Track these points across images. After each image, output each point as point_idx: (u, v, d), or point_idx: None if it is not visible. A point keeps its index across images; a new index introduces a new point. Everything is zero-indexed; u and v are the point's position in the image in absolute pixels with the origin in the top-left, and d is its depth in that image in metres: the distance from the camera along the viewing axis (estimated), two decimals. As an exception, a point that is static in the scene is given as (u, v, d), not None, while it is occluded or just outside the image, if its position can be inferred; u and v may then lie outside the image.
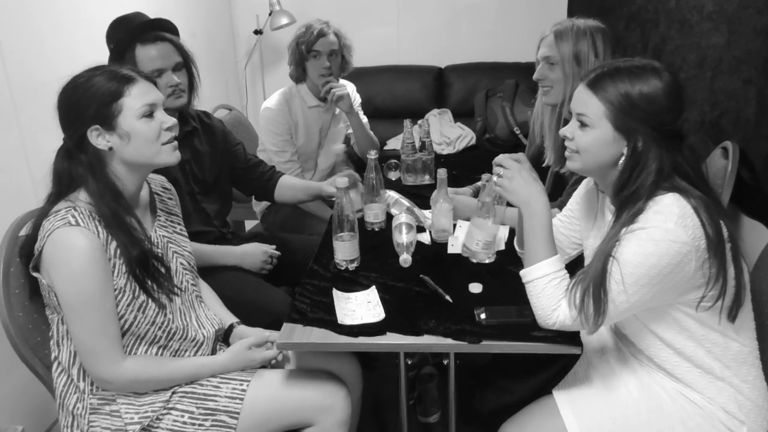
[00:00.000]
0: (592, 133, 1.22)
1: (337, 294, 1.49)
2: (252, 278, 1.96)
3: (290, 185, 2.15)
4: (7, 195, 1.89)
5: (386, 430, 2.07)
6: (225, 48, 4.06)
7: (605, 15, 2.95)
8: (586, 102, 1.22)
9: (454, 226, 1.82)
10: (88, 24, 1.90)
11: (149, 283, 1.33)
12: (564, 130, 1.29)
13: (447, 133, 3.70)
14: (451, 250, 1.71)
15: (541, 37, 1.84)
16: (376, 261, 1.65)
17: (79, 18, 2.29)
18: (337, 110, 2.59)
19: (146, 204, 1.46)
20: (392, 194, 1.95)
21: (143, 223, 1.38)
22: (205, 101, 2.03)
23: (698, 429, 1.24)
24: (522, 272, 1.31)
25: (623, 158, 1.21)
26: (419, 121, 2.36)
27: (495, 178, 1.36)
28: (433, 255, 1.70)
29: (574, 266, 1.43)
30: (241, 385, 1.38)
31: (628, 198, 1.20)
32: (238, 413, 1.35)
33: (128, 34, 1.78)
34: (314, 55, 2.40)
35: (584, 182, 1.52)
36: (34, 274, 1.29)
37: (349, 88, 2.61)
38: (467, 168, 2.33)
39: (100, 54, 1.79)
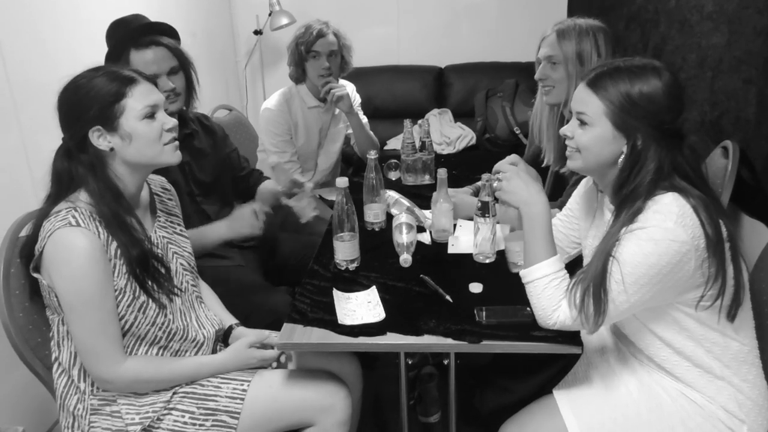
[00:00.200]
0: (591, 132, 1.23)
1: (337, 294, 1.49)
2: (252, 278, 1.96)
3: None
4: (7, 195, 1.89)
5: (386, 430, 2.07)
6: (225, 48, 4.06)
7: (605, 15, 2.95)
8: (586, 101, 1.22)
9: (455, 226, 1.82)
10: (88, 24, 1.90)
11: (149, 283, 1.33)
12: (564, 129, 1.29)
13: (447, 133, 3.70)
14: (451, 250, 1.71)
15: (542, 36, 1.83)
16: (376, 261, 1.65)
17: (79, 18, 2.29)
18: (337, 110, 2.59)
19: (146, 204, 1.46)
20: (392, 194, 1.95)
21: (143, 224, 1.39)
22: (205, 101, 2.03)
23: (698, 428, 1.24)
24: (522, 273, 1.31)
25: (623, 156, 1.21)
26: (419, 121, 2.36)
27: (495, 183, 1.37)
28: (433, 255, 1.70)
29: (573, 266, 1.43)
30: (242, 385, 1.38)
31: (627, 196, 1.20)
32: (238, 413, 1.35)
33: (123, 38, 1.78)
34: (313, 55, 2.40)
35: (583, 181, 1.52)
36: (35, 275, 1.29)
37: (348, 88, 2.61)
38: (467, 168, 2.33)
39: (100, 54, 1.79)
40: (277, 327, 1.41)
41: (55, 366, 1.36)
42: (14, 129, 1.96)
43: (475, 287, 1.48)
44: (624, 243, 1.17)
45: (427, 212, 1.86)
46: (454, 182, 2.03)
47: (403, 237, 1.62)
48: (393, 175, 2.37)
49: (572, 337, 1.27)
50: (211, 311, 1.56)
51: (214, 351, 1.50)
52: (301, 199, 1.75)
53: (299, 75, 2.49)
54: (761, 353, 1.28)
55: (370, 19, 4.09)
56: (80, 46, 1.90)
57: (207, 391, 1.37)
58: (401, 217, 1.69)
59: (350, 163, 3.08)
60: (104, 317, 1.26)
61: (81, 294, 1.23)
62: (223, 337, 1.56)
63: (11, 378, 1.84)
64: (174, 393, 1.36)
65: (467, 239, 1.71)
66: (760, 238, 1.38)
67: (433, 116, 3.83)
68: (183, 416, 1.34)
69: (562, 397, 1.34)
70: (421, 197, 2.00)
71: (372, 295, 1.48)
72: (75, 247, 1.22)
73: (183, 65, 1.83)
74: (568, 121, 1.31)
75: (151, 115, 1.31)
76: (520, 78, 3.67)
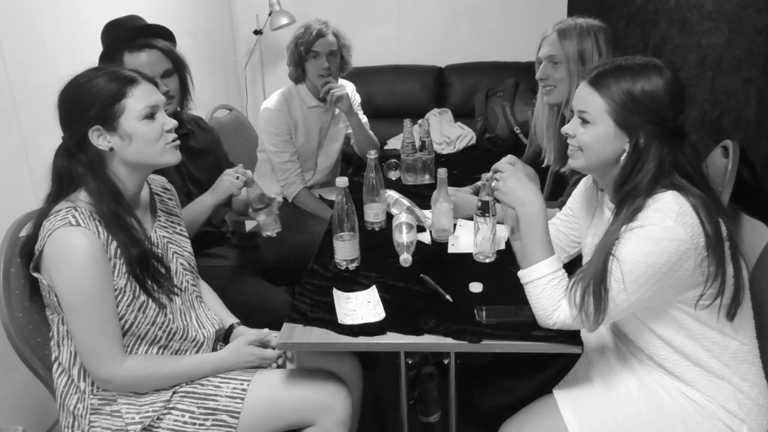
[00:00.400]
0: (593, 130, 1.23)
1: (337, 294, 1.49)
2: (252, 278, 1.96)
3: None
4: (7, 195, 1.89)
5: (387, 429, 2.07)
6: (225, 48, 4.06)
7: (605, 14, 2.95)
8: (588, 99, 1.22)
9: (455, 225, 1.82)
10: (88, 24, 1.90)
11: (149, 283, 1.33)
12: (566, 128, 1.29)
13: (447, 132, 3.70)
14: (451, 249, 1.71)
15: (543, 36, 1.83)
16: (376, 261, 1.65)
17: (79, 18, 2.29)
18: (337, 110, 2.59)
19: (146, 204, 1.46)
20: (392, 194, 1.95)
21: (143, 224, 1.39)
22: (205, 101, 2.04)
23: (698, 428, 1.24)
24: (520, 273, 1.31)
25: (625, 154, 1.21)
26: (419, 121, 2.36)
27: (493, 183, 1.37)
28: (433, 255, 1.70)
29: (572, 265, 1.43)
30: (242, 384, 1.38)
31: (628, 194, 1.20)
32: (238, 413, 1.35)
33: (117, 40, 1.78)
34: (313, 55, 2.40)
35: (583, 180, 1.52)
36: (35, 275, 1.29)
37: (348, 88, 2.61)
38: (467, 167, 2.33)
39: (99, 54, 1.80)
40: (277, 327, 1.41)
41: (55, 366, 1.36)
42: (14, 129, 1.96)
43: (475, 287, 1.48)
44: (624, 241, 1.17)
45: (427, 212, 1.86)
46: (454, 182, 2.03)
47: (403, 236, 1.62)
48: (393, 175, 2.37)
49: (572, 337, 1.27)
50: (211, 311, 1.56)
51: (214, 350, 1.50)
52: (269, 214, 1.76)
53: (299, 75, 2.49)
54: (761, 352, 1.28)
55: (370, 19, 4.09)
56: (80, 46, 1.91)
57: (207, 390, 1.37)
58: (401, 217, 1.69)
59: (350, 162, 3.08)
60: (104, 317, 1.26)
61: (81, 293, 1.23)
62: (224, 336, 1.57)
63: (11, 378, 1.84)
64: (174, 392, 1.36)
65: (467, 239, 1.71)
66: (760, 237, 1.38)
67: (433, 116, 3.83)
68: (183, 416, 1.34)
69: (562, 396, 1.34)
70: (421, 197, 2.00)
71: (372, 294, 1.48)
72: (75, 246, 1.22)
73: (177, 68, 1.83)
74: (569, 121, 1.31)
75: (151, 116, 1.31)
76: (520, 78, 3.66)
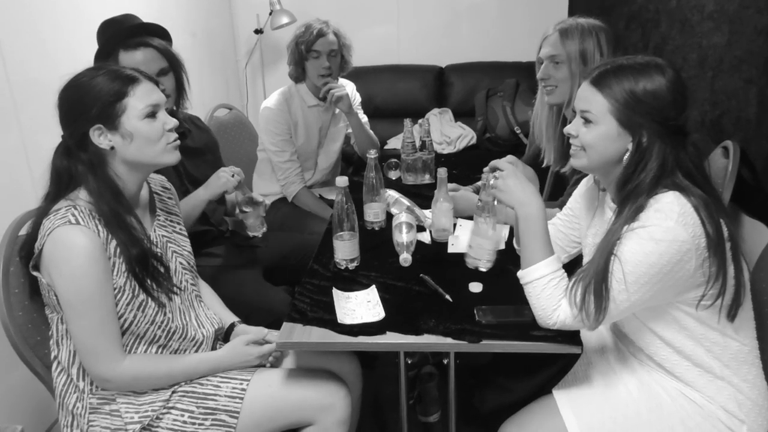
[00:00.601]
0: (596, 130, 1.22)
1: (337, 293, 1.49)
2: (251, 278, 1.95)
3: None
4: (7, 194, 1.89)
5: (386, 429, 2.07)
6: (225, 47, 4.06)
7: (606, 14, 2.95)
8: (590, 99, 1.22)
9: (455, 225, 1.82)
10: (88, 24, 1.90)
11: (149, 282, 1.33)
12: (568, 128, 1.29)
13: (447, 132, 3.70)
14: (451, 249, 1.71)
15: (544, 36, 1.83)
16: (376, 260, 1.65)
17: (79, 18, 2.29)
18: (337, 110, 2.59)
19: (146, 203, 1.46)
20: (392, 193, 1.95)
21: (143, 223, 1.39)
22: (205, 100, 2.04)
23: (698, 428, 1.24)
24: (519, 274, 1.31)
25: (628, 154, 1.21)
26: (420, 121, 2.36)
27: (492, 180, 1.37)
28: (433, 254, 1.69)
29: (573, 265, 1.43)
30: (241, 384, 1.38)
31: (630, 193, 1.20)
32: (238, 412, 1.35)
33: (112, 39, 1.78)
34: (314, 55, 2.40)
35: (584, 180, 1.52)
36: (34, 273, 1.29)
37: (348, 87, 2.61)
38: (468, 167, 2.33)
39: (100, 54, 1.80)
40: (276, 326, 1.41)
41: (54, 365, 1.36)
42: (14, 128, 1.96)
43: (475, 287, 1.48)
44: (625, 241, 1.17)
45: (427, 212, 1.86)
46: (455, 182, 2.03)
47: (403, 236, 1.62)
48: (393, 175, 2.37)
49: (572, 337, 1.27)
50: (210, 310, 1.56)
51: (213, 350, 1.50)
52: (256, 216, 1.78)
53: (299, 74, 2.48)
54: (761, 353, 1.28)
55: (370, 19, 4.09)
56: (80, 46, 1.90)
57: (206, 390, 1.37)
58: (401, 217, 1.69)
59: (350, 162, 3.08)
60: (103, 316, 1.26)
61: (80, 292, 1.23)
62: (225, 335, 1.57)
63: (10, 377, 1.84)
64: (173, 392, 1.36)
65: (467, 239, 1.71)
66: (760, 238, 1.38)
67: (433, 116, 3.83)
68: (182, 415, 1.34)
69: (562, 396, 1.34)
70: (421, 196, 2.00)
71: (372, 294, 1.48)
72: (74, 245, 1.22)
73: (173, 66, 1.83)
74: (570, 122, 1.31)
75: (152, 115, 1.31)
76: (520, 77, 3.66)
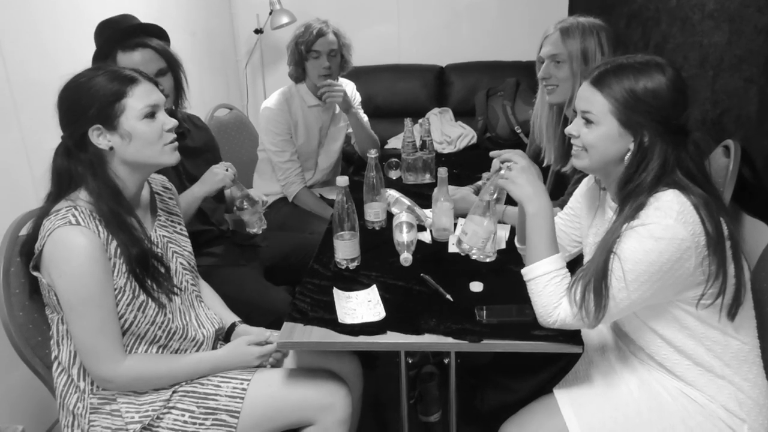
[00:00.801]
0: (597, 130, 1.22)
1: (337, 293, 1.49)
2: (252, 277, 1.95)
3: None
4: (7, 194, 1.89)
5: (387, 429, 2.07)
6: (225, 47, 4.06)
7: (607, 13, 2.94)
8: (591, 99, 1.22)
9: (455, 224, 1.82)
10: (88, 24, 1.90)
11: (149, 282, 1.33)
12: (569, 129, 1.29)
13: (448, 131, 3.70)
14: (451, 249, 1.71)
15: (545, 35, 1.82)
16: (376, 260, 1.65)
17: (79, 18, 2.29)
18: (338, 109, 2.59)
19: (147, 204, 1.46)
20: (393, 193, 1.95)
21: (143, 223, 1.39)
22: (205, 100, 2.04)
23: (699, 428, 1.24)
24: (523, 270, 1.31)
25: (629, 153, 1.21)
26: (420, 120, 2.36)
27: (503, 171, 1.35)
28: (433, 254, 1.69)
29: (573, 265, 1.43)
30: (242, 384, 1.38)
31: (631, 192, 1.20)
32: (238, 412, 1.35)
33: (109, 39, 1.78)
34: (314, 55, 2.40)
35: (585, 180, 1.51)
36: (35, 274, 1.29)
37: (348, 87, 2.61)
38: (468, 167, 2.33)
39: (100, 54, 1.79)
40: (277, 326, 1.41)
41: (55, 365, 1.36)
42: (14, 128, 1.96)
43: (476, 286, 1.48)
44: (625, 239, 1.17)
45: (427, 211, 1.86)
46: (455, 181, 2.03)
47: (404, 236, 1.62)
48: (393, 174, 2.37)
49: (573, 336, 1.27)
50: (211, 310, 1.56)
51: (214, 350, 1.49)
52: (253, 213, 1.79)
53: (299, 74, 2.48)
54: (762, 352, 1.28)
55: (370, 18, 4.09)
56: (80, 46, 1.90)
57: (207, 390, 1.37)
58: (401, 216, 1.69)
59: (351, 161, 3.07)
60: (104, 316, 1.26)
61: (81, 293, 1.23)
62: (226, 335, 1.57)
63: (11, 377, 1.84)
64: (174, 392, 1.36)
65: (464, 224, 1.69)
66: (761, 237, 1.38)
67: (433, 115, 3.82)
68: (183, 415, 1.34)
69: (563, 396, 1.34)
70: (422, 196, 2.00)
71: (372, 294, 1.48)
72: (75, 245, 1.22)
73: (171, 66, 1.83)
74: (571, 121, 1.31)
75: (151, 115, 1.31)
76: (520, 77, 3.66)
